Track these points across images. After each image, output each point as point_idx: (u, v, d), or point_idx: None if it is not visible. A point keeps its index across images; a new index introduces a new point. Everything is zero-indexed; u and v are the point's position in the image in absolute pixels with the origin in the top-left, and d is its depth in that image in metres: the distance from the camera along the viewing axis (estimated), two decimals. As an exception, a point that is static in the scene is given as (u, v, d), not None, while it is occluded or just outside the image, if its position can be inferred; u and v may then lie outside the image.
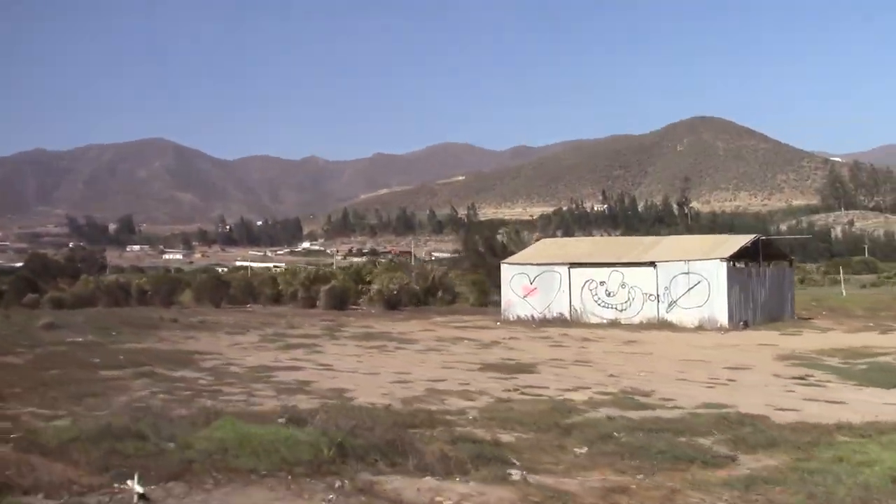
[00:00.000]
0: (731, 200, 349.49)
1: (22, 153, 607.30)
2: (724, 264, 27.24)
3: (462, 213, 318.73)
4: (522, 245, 44.29)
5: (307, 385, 15.79)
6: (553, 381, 16.09)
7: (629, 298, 28.89)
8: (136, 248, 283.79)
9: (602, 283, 29.51)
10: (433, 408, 12.74)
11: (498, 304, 41.62)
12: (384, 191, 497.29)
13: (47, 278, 50.72)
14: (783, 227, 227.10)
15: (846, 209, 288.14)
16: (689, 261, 27.93)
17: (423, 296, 40.75)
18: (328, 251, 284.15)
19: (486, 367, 18.28)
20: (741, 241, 30.76)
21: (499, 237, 45.76)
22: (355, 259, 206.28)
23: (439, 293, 41.85)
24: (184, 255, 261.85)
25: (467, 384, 15.64)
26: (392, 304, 38.51)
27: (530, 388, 14.96)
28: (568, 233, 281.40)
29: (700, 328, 27.01)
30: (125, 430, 9.56)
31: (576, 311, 29.79)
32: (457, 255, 50.60)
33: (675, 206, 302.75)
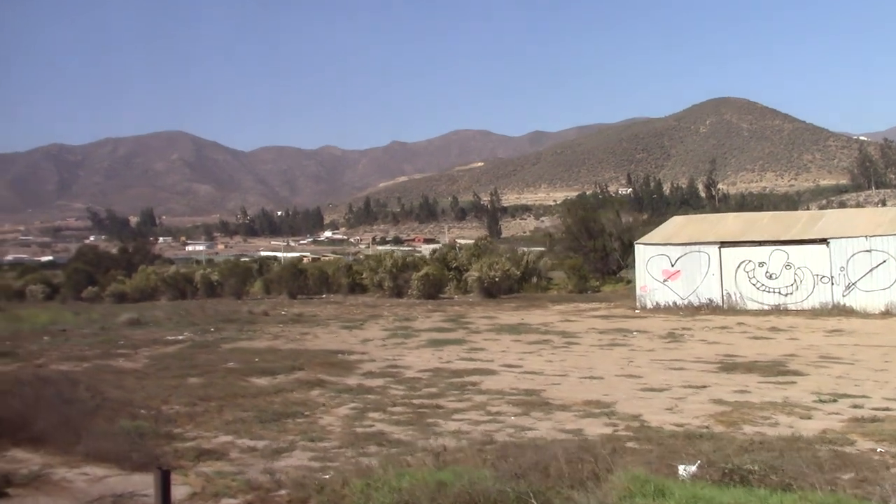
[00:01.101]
0: (757, 181, 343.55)
1: (40, 148, 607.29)
2: (919, 239, 23.50)
3: (485, 199, 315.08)
4: (622, 226, 40.72)
5: (537, 395, 12.44)
6: (848, 386, 12.56)
7: (795, 281, 25.20)
8: (160, 240, 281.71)
9: (761, 263, 25.80)
10: (795, 433, 9.28)
11: (597, 290, 38.27)
12: (402, 178, 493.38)
13: (100, 271, 47.55)
14: (814, 207, 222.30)
15: (877, 188, 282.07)
16: (870, 237, 24.20)
17: (517, 283, 37.24)
18: (351, 240, 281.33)
19: (728, 368, 14.81)
20: (928, 212, 27.09)
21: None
22: (380, 247, 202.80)
23: (533, 279, 38.33)
24: (207, 247, 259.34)
25: (747, 391, 12.21)
26: (490, 291, 35.03)
27: (848, 398, 11.45)
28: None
29: (887, 314, 23.33)
30: (480, 492, 6.16)
31: (729, 296, 26.13)
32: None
33: (701, 189, 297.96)
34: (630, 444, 8.82)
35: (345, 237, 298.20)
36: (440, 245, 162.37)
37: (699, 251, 26.83)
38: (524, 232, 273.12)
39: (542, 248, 45.33)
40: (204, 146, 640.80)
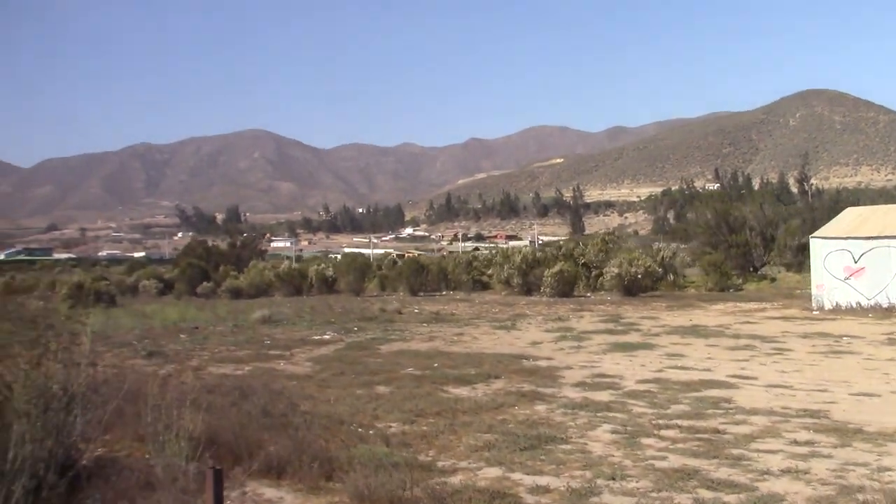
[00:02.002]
0: (851, 176, 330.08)
1: (129, 147, 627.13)
2: None
3: (567, 195, 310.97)
4: (766, 219, 37.81)
5: (825, 416, 10.18)
6: None
7: None
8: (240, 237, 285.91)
9: (966, 260, 22.85)
10: None
11: (739, 288, 35.54)
12: (482, 175, 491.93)
13: (210, 266, 46.85)
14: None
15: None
16: None
17: (652, 280, 34.69)
18: (433, 237, 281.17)
19: None
20: None
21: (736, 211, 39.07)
22: (462, 244, 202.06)
23: (670, 276, 35.74)
24: (291, 244, 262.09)
25: None
26: (630, 289, 32.65)
27: None
28: (681, 214, 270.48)
29: None
30: None
31: (926, 296, 23.22)
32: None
33: (792, 184, 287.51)
34: None
35: (426, 234, 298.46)
36: (529, 241, 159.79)
37: (889, 246, 23.93)
38: (608, 228, 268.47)
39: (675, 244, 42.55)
40: (285, 144, 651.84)
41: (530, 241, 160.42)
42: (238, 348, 19.45)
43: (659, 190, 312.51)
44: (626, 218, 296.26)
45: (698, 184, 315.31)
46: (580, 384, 13.26)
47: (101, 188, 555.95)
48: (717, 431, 9.58)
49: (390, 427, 10.17)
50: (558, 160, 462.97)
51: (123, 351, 19.10)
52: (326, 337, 21.52)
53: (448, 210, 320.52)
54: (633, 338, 19.69)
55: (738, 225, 37.24)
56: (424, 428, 10.02)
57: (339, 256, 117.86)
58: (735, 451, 8.56)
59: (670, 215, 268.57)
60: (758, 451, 8.61)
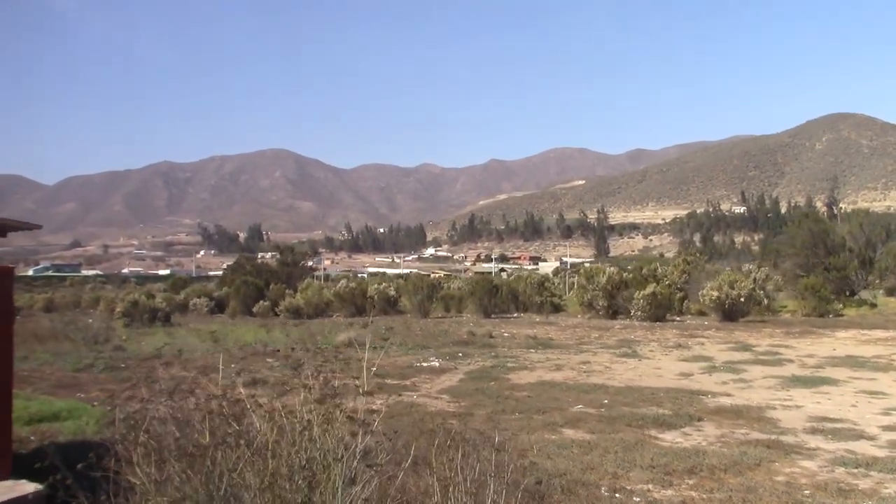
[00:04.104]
0: (880, 200, 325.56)
1: (151, 165, 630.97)
2: None
3: (591, 216, 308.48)
4: (865, 239, 35.21)
5: None
6: None
7: None
8: (268, 255, 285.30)
9: None
10: None
11: (839, 314, 33.03)
12: (503, 196, 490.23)
13: (262, 284, 44.64)
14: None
15: None
16: None
17: (752, 304, 32.21)
18: (455, 257, 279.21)
19: None
20: None
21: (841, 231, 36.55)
22: (485, 265, 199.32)
23: (764, 301, 33.22)
24: (315, 262, 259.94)
25: None
26: (730, 313, 30.21)
27: None
28: (707, 236, 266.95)
29: None
30: None
31: None
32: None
33: (820, 207, 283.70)
34: None
35: (448, 254, 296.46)
36: (559, 263, 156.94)
37: None
38: (632, 251, 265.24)
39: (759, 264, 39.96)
40: (306, 164, 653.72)
41: (560, 263, 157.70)
42: (344, 375, 17.16)
43: (684, 212, 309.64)
44: (650, 240, 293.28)
45: (724, 207, 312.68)
46: (814, 431, 10.88)
47: (124, 206, 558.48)
48: None
49: (648, 491, 7.86)
50: (580, 182, 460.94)
51: (214, 377, 16.90)
52: (435, 364, 19.25)
53: (471, 231, 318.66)
54: (794, 370, 17.29)
55: (837, 246, 34.69)
56: (701, 494, 7.68)
57: (365, 276, 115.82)
58: None
59: (696, 238, 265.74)
60: None
